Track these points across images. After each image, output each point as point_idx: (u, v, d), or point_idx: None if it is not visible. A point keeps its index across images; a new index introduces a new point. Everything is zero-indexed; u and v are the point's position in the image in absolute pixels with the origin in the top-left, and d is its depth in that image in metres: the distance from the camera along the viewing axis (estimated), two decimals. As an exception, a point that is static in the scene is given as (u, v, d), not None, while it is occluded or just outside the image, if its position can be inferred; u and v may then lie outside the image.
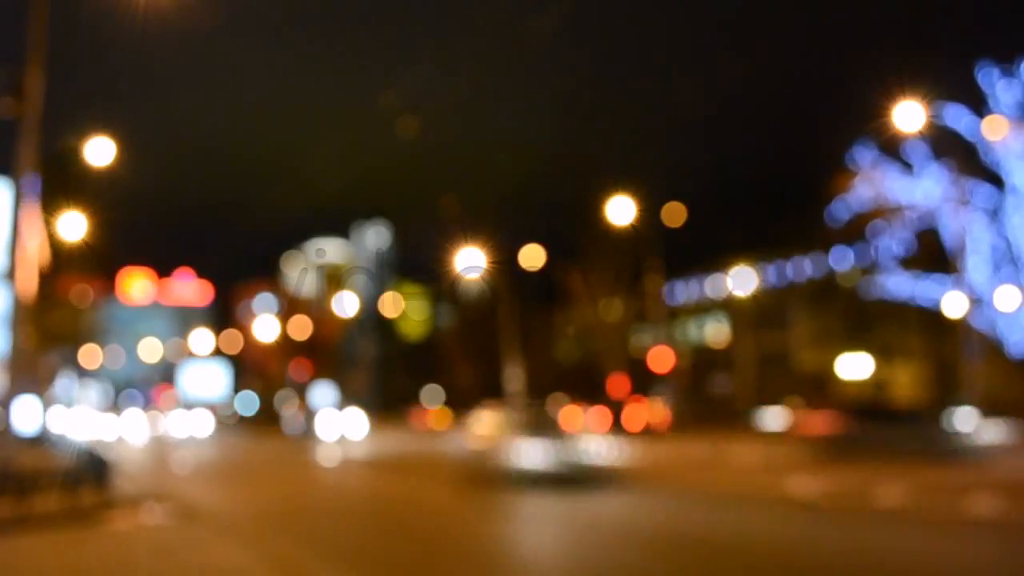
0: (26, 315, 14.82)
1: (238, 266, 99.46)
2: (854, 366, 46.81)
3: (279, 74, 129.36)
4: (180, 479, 21.36)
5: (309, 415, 53.82)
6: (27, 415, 17.48)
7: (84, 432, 42.33)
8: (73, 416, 51.21)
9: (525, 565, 9.73)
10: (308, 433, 46.76)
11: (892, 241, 37.73)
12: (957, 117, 33.11)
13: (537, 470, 16.37)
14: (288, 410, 67.33)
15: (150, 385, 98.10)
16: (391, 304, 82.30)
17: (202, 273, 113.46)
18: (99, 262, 39.82)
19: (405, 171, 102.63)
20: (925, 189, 34.78)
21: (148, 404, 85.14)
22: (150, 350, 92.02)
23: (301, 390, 75.37)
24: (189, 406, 75.46)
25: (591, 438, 17.87)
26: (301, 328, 75.80)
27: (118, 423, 57.41)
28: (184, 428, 58.44)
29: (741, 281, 48.55)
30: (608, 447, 17.84)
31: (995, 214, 34.28)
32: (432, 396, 71.52)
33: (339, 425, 44.58)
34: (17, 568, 9.20)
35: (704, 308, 56.88)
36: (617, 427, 37.76)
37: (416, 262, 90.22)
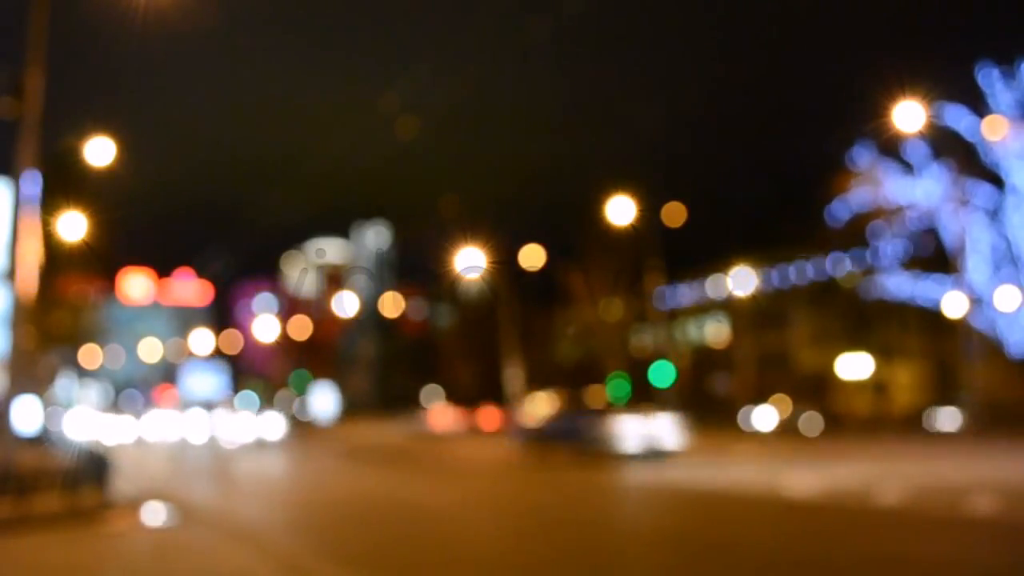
0: (26, 315, 14.81)
1: (238, 266, 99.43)
2: (854, 366, 46.82)
3: (280, 74, 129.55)
4: (180, 479, 21.35)
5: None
6: (27, 415, 17.48)
7: (84, 432, 42.30)
8: (73, 416, 51.19)
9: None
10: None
11: (892, 241, 37.78)
12: (957, 117, 33.15)
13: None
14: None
15: (150, 385, 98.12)
16: (391, 304, 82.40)
17: (202, 273, 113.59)
18: (99, 262, 39.78)
19: (405, 171, 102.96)
20: (925, 189, 34.82)
21: (148, 404, 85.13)
22: (150, 350, 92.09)
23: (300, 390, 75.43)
24: (189, 406, 75.38)
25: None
26: (301, 328, 75.89)
27: (118, 423, 57.34)
28: (184, 428, 58.34)
29: (741, 281, 48.55)
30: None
31: (995, 214, 34.32)
32: (431, 396, 71.56)
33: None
34: (17, 568, 9.19)
35: (704, 308, 56.88)
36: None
37: (416, 262, 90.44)
